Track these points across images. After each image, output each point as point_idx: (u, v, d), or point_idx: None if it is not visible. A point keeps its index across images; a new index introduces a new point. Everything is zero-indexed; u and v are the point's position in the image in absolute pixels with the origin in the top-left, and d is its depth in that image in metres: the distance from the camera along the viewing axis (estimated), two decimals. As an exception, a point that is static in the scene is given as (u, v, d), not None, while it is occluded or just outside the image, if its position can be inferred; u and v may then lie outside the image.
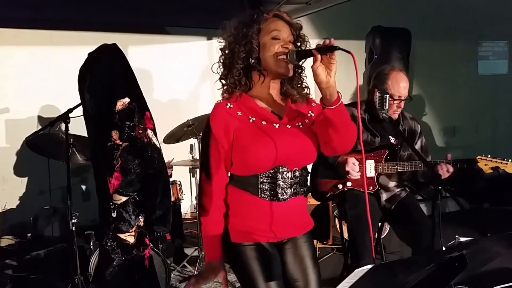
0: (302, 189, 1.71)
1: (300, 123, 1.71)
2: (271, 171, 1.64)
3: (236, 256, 1.70)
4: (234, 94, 1.67)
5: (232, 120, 1.63)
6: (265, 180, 1.64)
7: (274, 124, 1.66)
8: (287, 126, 1.68)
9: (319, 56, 1.52)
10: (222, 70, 1.70)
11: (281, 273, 1.71)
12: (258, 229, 1.68)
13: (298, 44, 1.69)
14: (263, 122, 1.65)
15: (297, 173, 1.68)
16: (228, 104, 1.65)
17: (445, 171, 2.52)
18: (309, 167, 1.80)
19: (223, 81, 1.71)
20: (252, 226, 1.68)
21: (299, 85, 1.74)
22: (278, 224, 1.68)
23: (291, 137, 1.66)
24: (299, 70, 1.74)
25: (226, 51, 1.67)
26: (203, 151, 1.73)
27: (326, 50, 1.52)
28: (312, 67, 1.54)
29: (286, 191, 1.66)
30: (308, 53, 1.60)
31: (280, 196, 1.65)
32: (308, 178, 1.78)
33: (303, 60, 1.67)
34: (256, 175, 1.64)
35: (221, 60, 1.70)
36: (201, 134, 1.71)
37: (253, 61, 1.63)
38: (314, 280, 1.75)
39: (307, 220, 1.81)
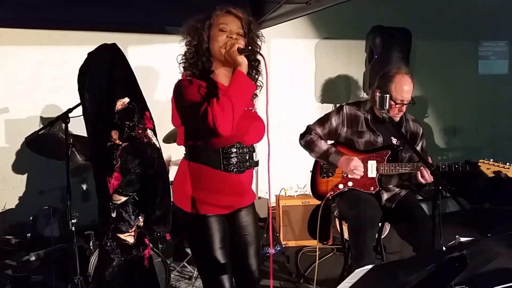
0: (254, 162, 1.94)
1: (252, 108, 1.97)
2: (231, 146, 1.84)
3: (199, 227, 1.88)
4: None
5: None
6: (227, 156, 1.85)
7: None
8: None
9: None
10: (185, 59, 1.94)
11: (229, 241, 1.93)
12: (222, 200, 1.88)
13: (250, 37, 1.90)
14: None
15: (250, 148, 1.92)
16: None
17: (426, 178, 2.54)
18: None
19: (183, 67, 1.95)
20: (217, 198, 1.87)
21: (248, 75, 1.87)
22: (237, 194, 1.92)
23: (247, 118, 1.87)
24: (254, 63, 1.91)
25: (187, 44, 1.93)
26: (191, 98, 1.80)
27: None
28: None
29: (244, 164, 1.89)
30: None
31: (240, 168, 1.88)
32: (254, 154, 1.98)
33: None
34: (217, 150, 1.84)
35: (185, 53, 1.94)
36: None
37: (203, 50, 1.86)
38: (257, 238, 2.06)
39: (252, 191, 2.05)
